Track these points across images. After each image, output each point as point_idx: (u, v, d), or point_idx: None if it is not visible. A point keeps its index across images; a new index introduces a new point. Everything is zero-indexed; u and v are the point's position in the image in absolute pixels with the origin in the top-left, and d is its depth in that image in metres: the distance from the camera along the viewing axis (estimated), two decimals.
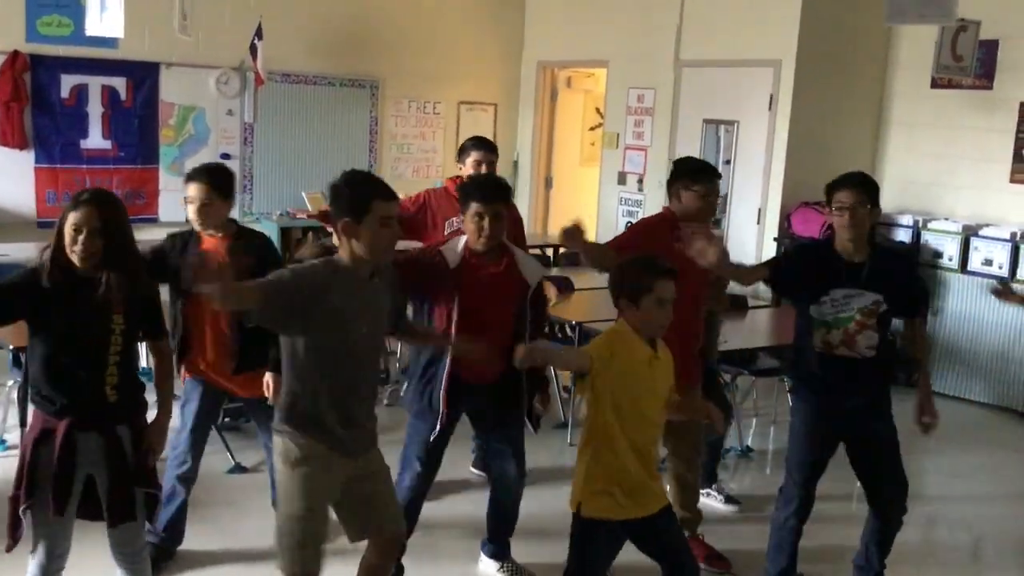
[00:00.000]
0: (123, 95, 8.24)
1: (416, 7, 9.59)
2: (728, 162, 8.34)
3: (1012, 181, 7.36)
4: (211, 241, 3.99)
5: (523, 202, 10.35)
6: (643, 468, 3.18)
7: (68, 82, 7.97)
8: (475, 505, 4.31)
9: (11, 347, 4.99)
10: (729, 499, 5.03)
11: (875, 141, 8.26)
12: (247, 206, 8.82)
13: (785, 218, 7.92)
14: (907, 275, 4.00)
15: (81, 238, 2.98)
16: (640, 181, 9.26)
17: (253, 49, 8.24)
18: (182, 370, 4.09)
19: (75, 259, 3.01)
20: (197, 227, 4.00)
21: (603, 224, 9.67)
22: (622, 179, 9.46)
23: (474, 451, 5.15)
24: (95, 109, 8.12)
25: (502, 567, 4.17)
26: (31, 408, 3.18)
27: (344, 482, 3.17)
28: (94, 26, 6.76)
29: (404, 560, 3.91)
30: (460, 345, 3.59)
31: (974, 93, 7.49)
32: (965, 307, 7.18)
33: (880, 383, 3.88)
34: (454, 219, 4.62)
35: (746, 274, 4.13)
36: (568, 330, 6.24)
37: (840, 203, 3.71)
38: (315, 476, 3.08)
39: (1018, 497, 5.56)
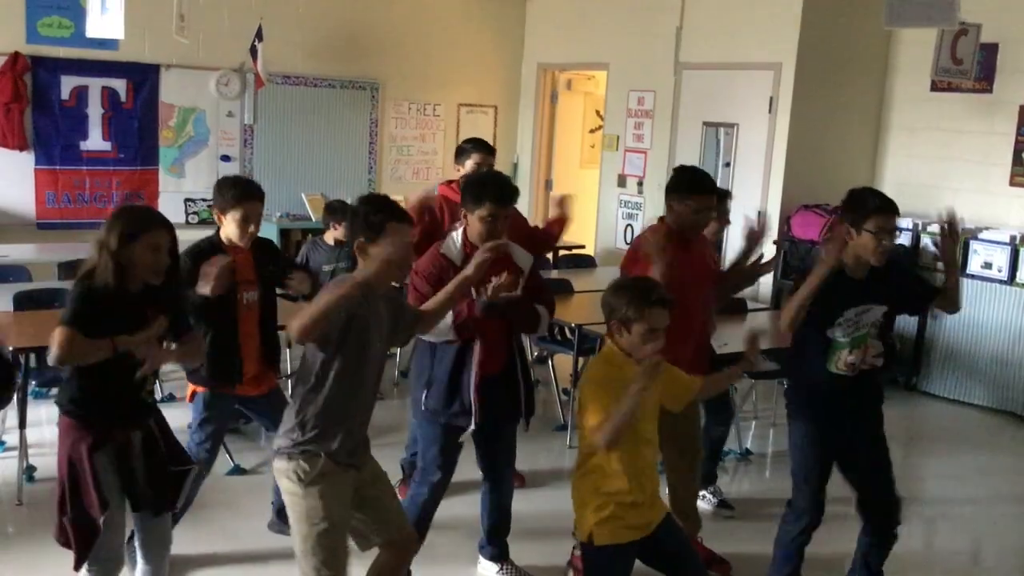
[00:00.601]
0: (123, 97, 8.24)
1: (416, 9, 9.60)
2: (728, 165, 8.35)
3: (1012, 184, 7.36)
4: (235, 254, 3.94)
5: (523, 204, 10.29)
6: (642, 489, 3.16)
7: (68, 83, 7.98)
8: (472, 507, 4.30)
9: (11, 348, 4.99)
10: (722, 503, 5.01)
11: (875, 144, 8.27)
12: None
13: (785, 221, 7.92)
14: (905, 275, 3.94)
15: (160, 257, 3.10)
16: (640, 184, 9.26)
17: (253, 51, 8.25)
18: (189, 386, 4.09)
19: (154, 278, 3.11)
20: (243, 244, 3.96)
21: (603, 226, 9.68)
22: (622, 181, 9.46)
23: None
24: (95, 110, 8.13)
25: (501, 569, 4.16)
26: (63, 419, 3.17)
27: (354, 493, 3.19)
28: (94, 28, 6.76)
29: None
30: (498, 286, 3.52)
31: (974, 96, 7.49)
32: (965, 310, 7.13)
33: (881, 387, 3.87)
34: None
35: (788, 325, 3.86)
36: (568, 332, 6.25)
37: (881, 228, 3.58)
38: (331, 491, 3.10)
39: (1018, 500, 5.56)
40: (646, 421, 3.18)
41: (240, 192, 3.95)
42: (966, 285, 7.14)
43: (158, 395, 4.02)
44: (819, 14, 7.75)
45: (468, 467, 4.16)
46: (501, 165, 10.25)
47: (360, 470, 3.20)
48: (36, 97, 7.87)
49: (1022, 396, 6.97)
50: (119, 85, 8.20)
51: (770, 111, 7.98)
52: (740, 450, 5.83)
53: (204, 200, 8.69)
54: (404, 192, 8.35)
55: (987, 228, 7.26)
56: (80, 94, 8.05)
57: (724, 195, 5.26)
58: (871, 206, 3.60)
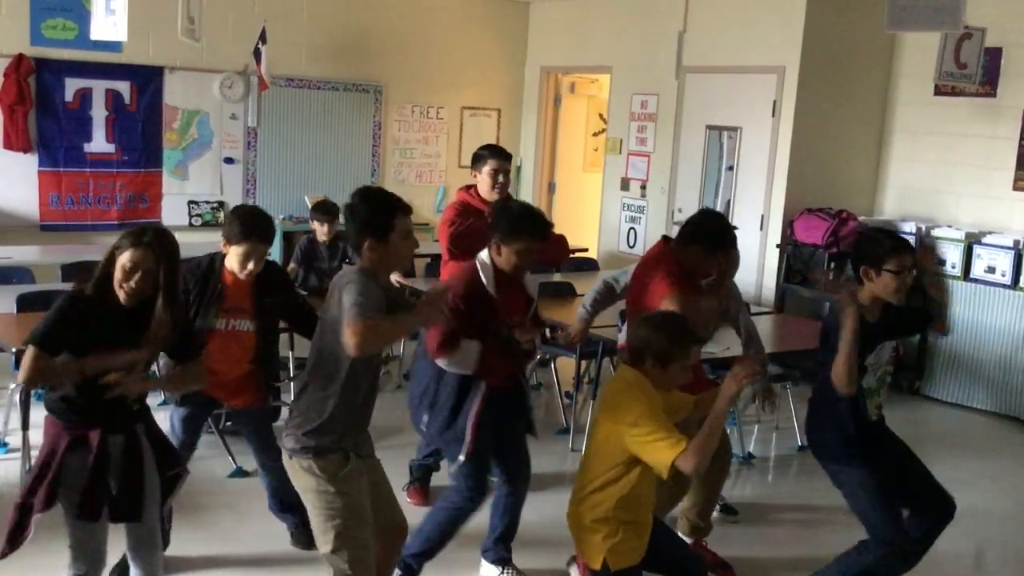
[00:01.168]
0: (127, 99, 8.26)
1: (420, 12, 9.61)
2: (731, 168, 8.35)
3: (1015, 189, 7.34)
4: (233, 277, 3.98)
5: None
6: (649, 508, 3.25)
7: (72, 86, 8.00)
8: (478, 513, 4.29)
9: (13, 349, 4.99)
10: (726, 508, 5.00)
11: (878, 148, 8.26)
12: None
13: (788, 225, 7.92)
14: (903, 310, 3.89)
15: (135, 278, 2.99)
16: (643, 187, 9.26)
17: (257, 53, 8.26)
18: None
19: (121, 295, 3.02)
20: (242, 277, 3.97)
21: (606, 229, 9.68)
22: (625, 185, 9.46)
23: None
24: (99, 113, 8.15)
25: (503, 572, 4.16)
26: (47, 416, 3.14)
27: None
28: (99, 30, 6.78)
29: None
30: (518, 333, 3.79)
31: (977, 100, 7.48)
32: (968, 315, 7.17)
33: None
34: None
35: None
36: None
37: (903, 265, 3.55)
38: (356, 485, 3.18)
39: (1021, 505, 5.55)
40: None
41: (247, 230, 3.93)
42: (970, 290, 7.14)
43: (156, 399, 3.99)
44: (822, 17, 7.75)
45: None
46: None
47: (367, 459, 3.29)
48: (40, 99, 7.88)
49: None
50: (123, 87, 8.22)
51: (773, 115, 7.97)
52: (743, 454, 5.83)
53: (207, 203, 8.72)
54: (408, 194, 8.37)
55: (990, 233, 7.25)
56: (84, 96, 8.07)
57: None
58: (888, 247, 3.59)
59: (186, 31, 6.36)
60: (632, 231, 9.36)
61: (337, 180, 9.13)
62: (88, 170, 8.16)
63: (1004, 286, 6.97)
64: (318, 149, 9.13)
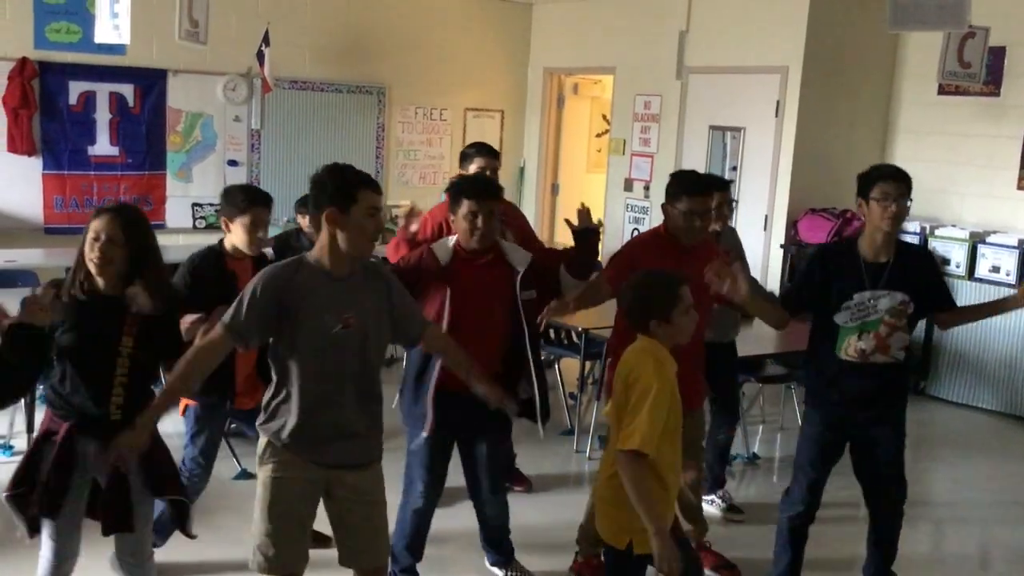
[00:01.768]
0: (131, 102, 8.27)
1: (423, 14, 9.61)
2: (734, 169, 8.34)
3: (1020, 188, 7.33)
4: (238, 263, 3.94)
5: (529, 208, 10.35)
6: (676, 486, 3.15)
7: (76, 89, 8.01)
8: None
9: None
10: (731, 508, 5.00)
11: (882, 148, 8.25)
12: None
13: (792, 225, 7.91)
14: (933, 272, 3.89)
15: (99, 245, 2.98)
16: (647, 188, 9.25)
17: (260, 56, 8.26)
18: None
19: (91, 267, 3.00)
20: (250, 252, 3.95)
21: (609, 230, 9.66)
22: (628, 186, 9.46)
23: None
24: (103, 116, 8.15)
25: (507, 572, 4.16)
26: (43, 407, 3.18)
27: (327, 496, 3.13)
28: (103, 33, 6.78)
29: None
30: (480, 385, 3.34)
31: (981, 100, 7.47)
32: None
33: (905, 385, 3.86)
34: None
35: (769, 313, 3.90)
36: (574, 336, 6.24)
37: (885, 193, 3.60)
38: (281, 475, 3.05)
39: None
40: (679, 417, 3.12)
41: (249, 197, 3.96)
42: (974, 289, 7.13)
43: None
44: (826, 17, 7.74)
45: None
46: (508, 170, 10.27)
47: (331, 470, 3.08)
48: (44, 102, 7.89)
49: None
50: (127, 90, 8.23)
51: (777, 115, 7.97)
52: (748, 454, 5.82)
53: (212, 205, 8.71)
54: (411, 196, 8.38)
55: (995, 232, 7.24)
56: (88, 99, 8.07)
57: (724, 186, 5.15)
58: (873, 175, 3.68)
59: (189, 34, 6.34)
60: (636, 232, 9.34)
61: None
62: (92, 173, 8.17)
63: (1009, 285, 6.95)
64: (321, 151, 9.13)
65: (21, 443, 5.03)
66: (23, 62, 7.71)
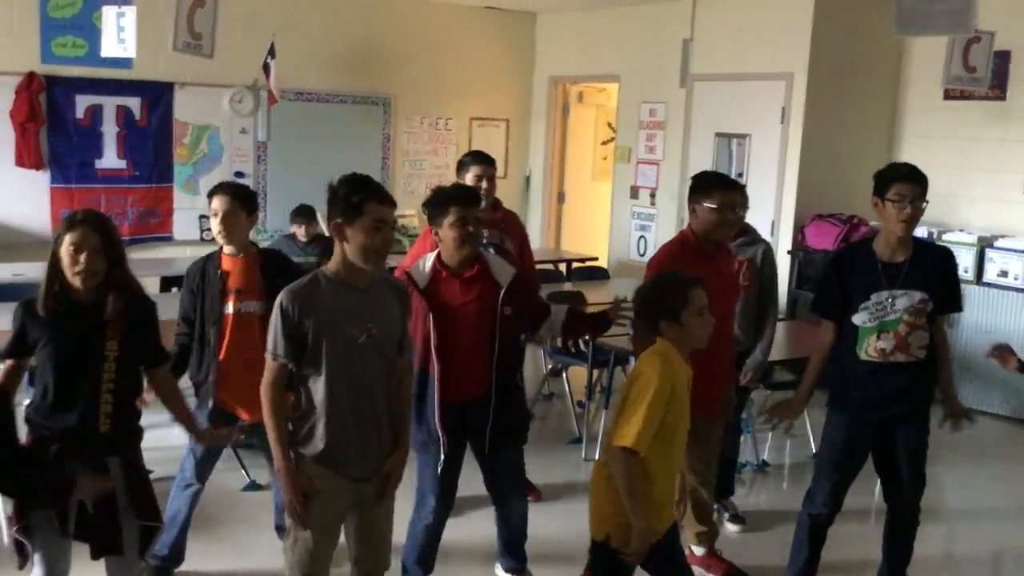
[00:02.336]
0: (137, 115, 8.30)
1: (427, 24, 9.64)
2: (740, 175, 8.33)
3: None
4: (231, 261, 3.96)
5: (535, 217, 10.37)
6: (664, 489, 3.13)
7: (83, 102, 8.04)
8: (487, 520, 4.29)
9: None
10: (735, 518, 4.97)
11: (888, 153, 8.23)
12: (260, 223, 8.87)
13: (799, 231, 7.90)
14: (949, 273, 3.88)
15: (83, 257, 2.97)
16: (652, 195, 9.25)
17: (266, 68, 8.29)
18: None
19: (77, 281, 2.99)
20: (221, 240, 3.97)
21: (616, 238, 9.67)
22: (635, 193, 9.46)
23: None
24: (110, 129, 8.19)
25: None
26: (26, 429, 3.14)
27: (353, 505, 3.15)
28: (109, 47, 6.81)
29: None
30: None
31: (987, 104, 7.46)
32: (981, 318, 7.13)
33: (929, 385, 3.84)
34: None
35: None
36: (582, 344, 6.23)
37: (901, 194, 3.61)
38: (320, 497, 3.07)
39: None
40: (684, 421, 3.12)
41: (210, 192, 4.02)
42: (983, 294, 7.11)
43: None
44: (831, 23, 7.74)
45: (481, 482, 4.14)
46: (513, 178, 10.30)
47: (363, 483, 3.11)
48: (51, 116, 7.93)
49: None
50: (133, 103, 8.26)
51: (782, 121, 7.97)
52: (757, 462, 5.80)
53: None
54: (418, 206, 8.38)
55: (1002, 236, 7.22)
56: (95, 113, 8.11)
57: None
58: (890, 175, 3.67)
59: (189, 46, 6.27)
60: (642, 239, 9.35)
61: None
62: (100, 186, 8.20)
63: (1017, 290, 6.93)
64: (328, 162, 9.09)
65: None
66: (30, 76, 7.75)
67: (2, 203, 7.85)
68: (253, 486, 5.10)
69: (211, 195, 3.99)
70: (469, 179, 4.89)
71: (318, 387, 3.02)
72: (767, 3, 8.07)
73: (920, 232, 7.37)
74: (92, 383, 3.03)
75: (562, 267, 8.56)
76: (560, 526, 4.70)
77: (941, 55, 6.94)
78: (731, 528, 4.90)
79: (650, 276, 4.09)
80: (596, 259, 8.98)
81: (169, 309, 3.89)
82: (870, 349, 3.70)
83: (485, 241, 4.74)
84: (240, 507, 4.86)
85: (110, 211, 8.18)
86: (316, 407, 3.04)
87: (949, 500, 5.55)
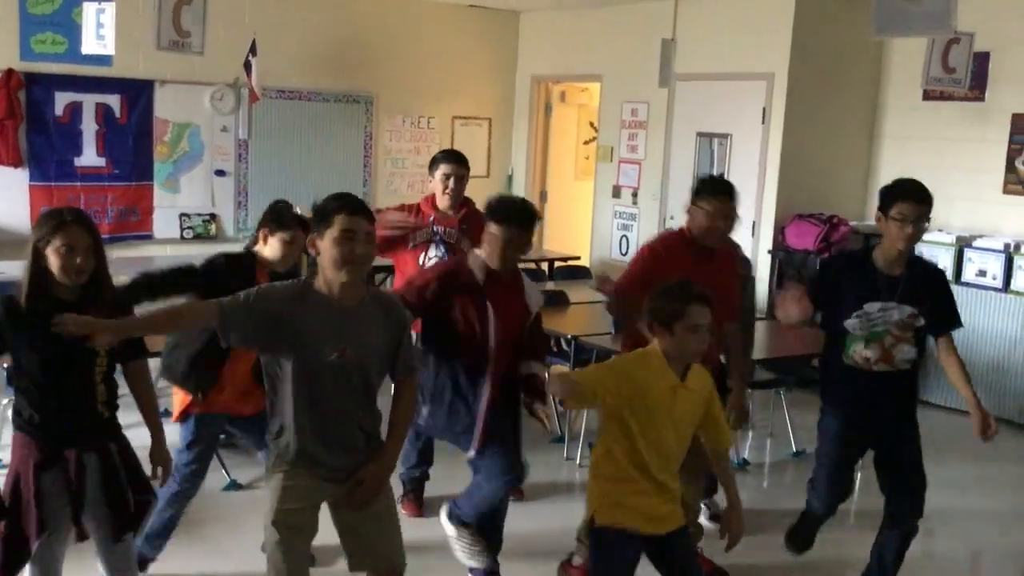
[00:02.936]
0: (117, 112, 8.25)
1: (410, 23, 9.62)
2: (722, 175, 8.36)
3: (1005, 192, 7.38)
4: (261, 273, 3.89)
5: None
6: (656, 495, 3.16)
7: (62, 100, 7.99)
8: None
9: (4, 365, 4.98)
10: (715, 517, 4.98)
11: (868, 153, 8.29)
12: (241, 222, 8.83)
13: (779, 231, 7.93)
14: (942, 291, 3.90)
15: (78, 258, 2.95)
16: (634, 194, 9.28)
17: (247, 65, 8.25)
18: (176, 406, 4.00)
19: (68, 279, 2.97)
20: (281, 268, 3.89)
21: (598, 237, 9.69)
22: (616, 192, 9.48)
23: None
24: (89, 127, 8.14)
25: (459, 536, 4.04)
26: (16, 434, 3.11)
27: (334, 507, 3.14)
28: (89, 44, 6.77)
29: None
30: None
31: (966, 105, 7.52)
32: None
33: (912, 394, 3.91)
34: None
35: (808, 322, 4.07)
36: (563, 344, 6.24)
37: (904, 215, 3.65)
38: (290, 484, 3.03)
39: (1016, 508, 5.56)
40: (670, 429, 3.14)
41: (298, 220, 3.93)
42: (961, 294, 7.15)
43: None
44: (811, 24, 7.78)
45: (452, 480, 4.14)
46: (496, 178, 10.30)
47: (336, 484, 3.09)
48: (30, 114, 7.87)
49: (1019, 403, 6.98)
50: (113, 101, 8.21)
51: (763, 121, 8.00)
52: (737, 460, 5.82)
53: (199, 215, 8.70)
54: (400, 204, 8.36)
55: (981, 236, 7.27)
56: (74, 110, 8.06)
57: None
58: (895, 193, 3.72)
59: (175, 44, 6.24)
60: (624, 238, 9.37)
61: (329, 191, 8.84)
62: (79, 184, 8.15)
63: (995, 289, 6.99)
64: (309, 160, 9.13)
65: (6, 456, 4.99)
66: (9, 73, 7.70)
67: None
68: (233, 486, 5.09)
69: (288, 226, 3.89)
70: (438, 177, 4.93)
71: (286, 395, 3.01)
72: (748, 4, 8.10)
73: None
74: (87, 377, 3.05)
75: (544, 266, 8.57)
76: (541, 524, 4.70)
77: (921, 56, 6.98)
78: (710, 527, 4.91)
79: (636, 258, 4.24)
80: (578, 258, 8.99)
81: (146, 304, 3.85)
82: (856, 356, 3.75)
83: (438, 237, 4.81)
84: (220, 507, 4.84)
85: (89, 209, 8.12)
86: (283, 413, 3.04)
87: (927, 499, 5.55)
